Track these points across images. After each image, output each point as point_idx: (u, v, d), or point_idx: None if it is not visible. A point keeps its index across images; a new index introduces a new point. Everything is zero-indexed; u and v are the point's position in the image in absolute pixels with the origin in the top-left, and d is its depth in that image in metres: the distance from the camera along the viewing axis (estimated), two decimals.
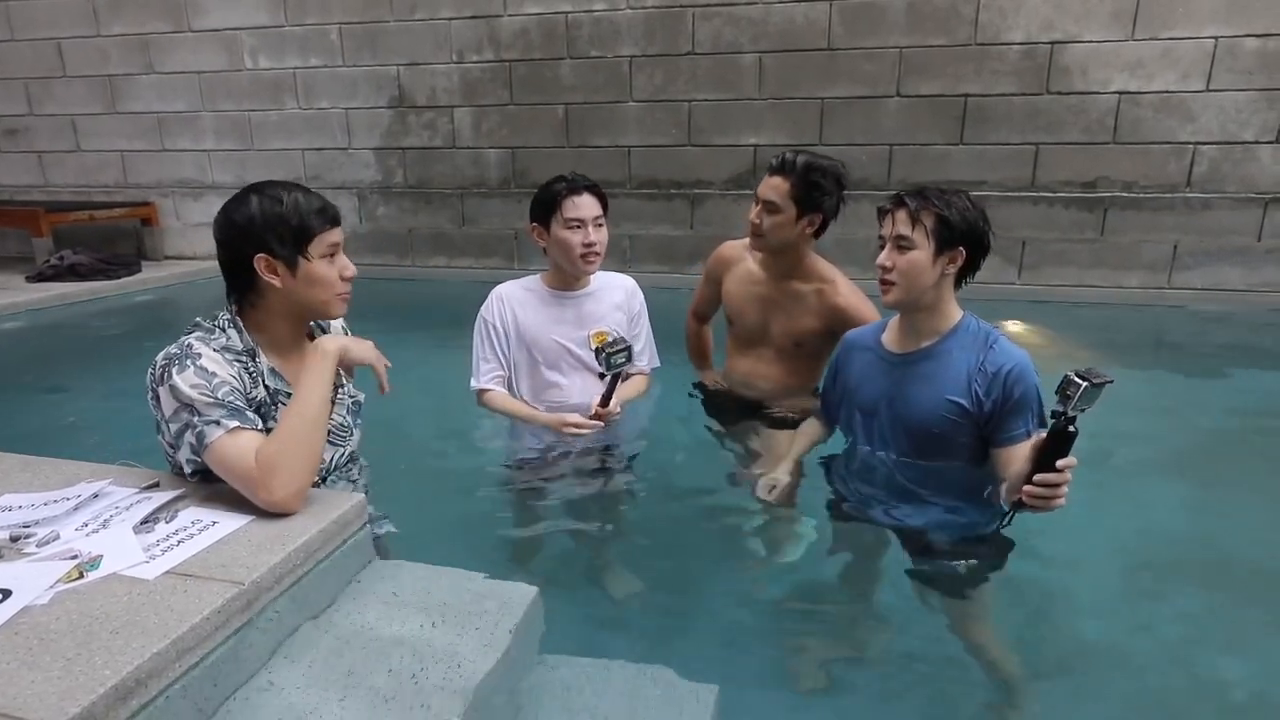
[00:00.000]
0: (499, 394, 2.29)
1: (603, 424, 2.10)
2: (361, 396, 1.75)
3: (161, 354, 1.41)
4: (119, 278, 5.30)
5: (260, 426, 1.39)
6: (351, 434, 1.70)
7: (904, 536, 1.84)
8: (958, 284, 1.77)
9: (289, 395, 1.49)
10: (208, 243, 6.04)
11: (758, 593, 1.91)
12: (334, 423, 1.61)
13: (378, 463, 1.85)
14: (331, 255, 1.49)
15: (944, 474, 1.82)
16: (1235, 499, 2.30)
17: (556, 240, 2.20)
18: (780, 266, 2.35)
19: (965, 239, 1.69)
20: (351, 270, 1.54)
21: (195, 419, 1.34)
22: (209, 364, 1.38)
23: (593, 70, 5.07)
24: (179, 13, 5.68)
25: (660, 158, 5.11)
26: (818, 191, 2.20)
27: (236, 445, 1.33)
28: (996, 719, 1.54)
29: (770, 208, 2.21)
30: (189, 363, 1.37)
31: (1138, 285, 4.61)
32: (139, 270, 5.52)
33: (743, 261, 2.48)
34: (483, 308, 2.32)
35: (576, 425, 2.09)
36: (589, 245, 2.18)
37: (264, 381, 1.49)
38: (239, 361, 1.45)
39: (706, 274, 2.62)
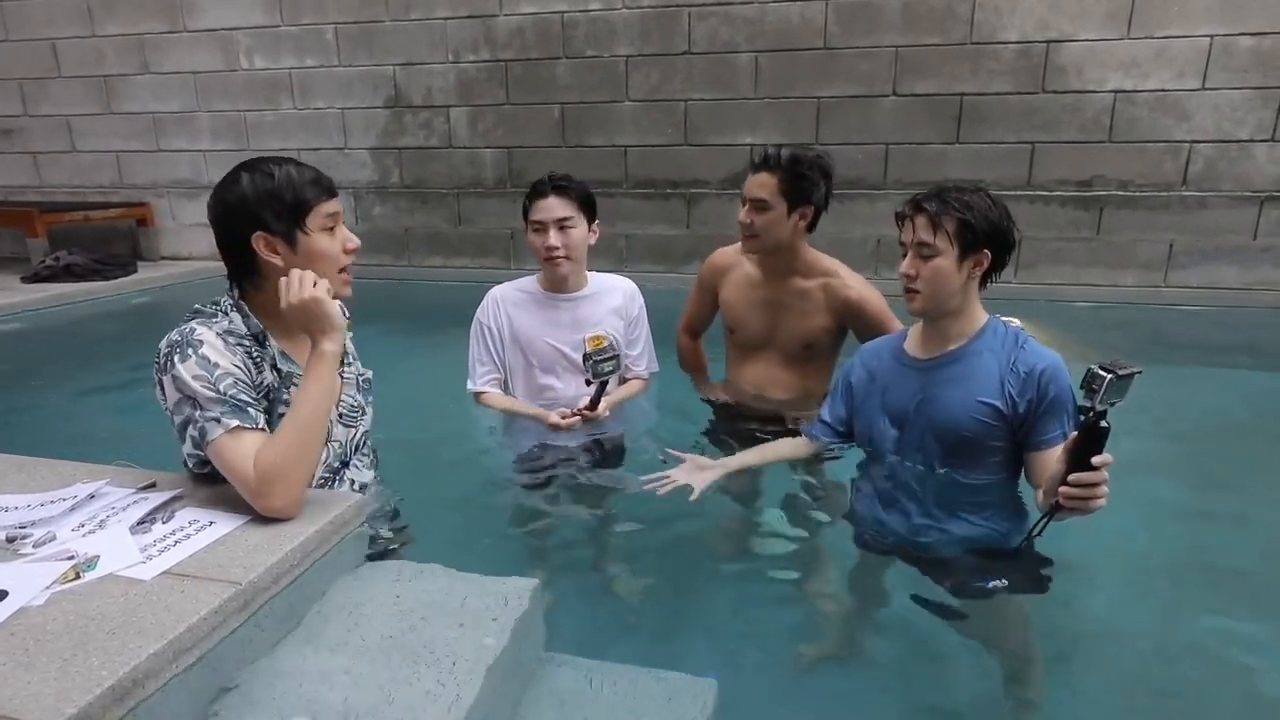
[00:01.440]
0: (494, 394, 2.30)
1: (584, 421, 2.11)
2: (369, 373, 1.73)
3: (165, 341, 1.38)
4: (115, 278, 5.29)
5: (262, 424, 1.37)
6: (364, 413, 1.67)
7: (929, 561, 1.77)
8: (982, 284, 1.72)
9: (301, 377, 1.46)
10: (204, 243, 6.06)
11: (759, 590, 1.91)
12: (344, 404, 1.59)
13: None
14: (331, 228, 1.45)
15: (974, 485, 1.75)
16: (1230, 497, 2.31)
17: (528, 242, 2.22)
18: (778, 266, 2.27)
19: (990, 240, 1.63)
20: (355, 242, 1.50)
21: (197, 413, 1.32)
22: (210, 352, 1.35)
23: (589, 70, 5.07)
24: (174, 13, 5.66)
25: (656, 157, 5.11)
26: (806, 183, 2.12)
27: (237, 447, 1.31)
28: (996, 714, 1.54)
29: (760, 205, 2.13)
30: (190, 351, 1.34)
31: (1134, 284, 4.62)
32: (135, 271, 5.51)
33: (738, 267, 2.39)
34: (478, 309, 2.32)
35: (557, 425, 2.11)
36: (550, 249, 2.16)
37: (275, 365, 1.46)
38: (242, 346, 1.41)
39: (700, 284, 2.52)
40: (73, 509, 1.34)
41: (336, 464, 1.60)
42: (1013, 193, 4.59)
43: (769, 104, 4.85)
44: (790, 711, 1.53)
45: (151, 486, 1.44)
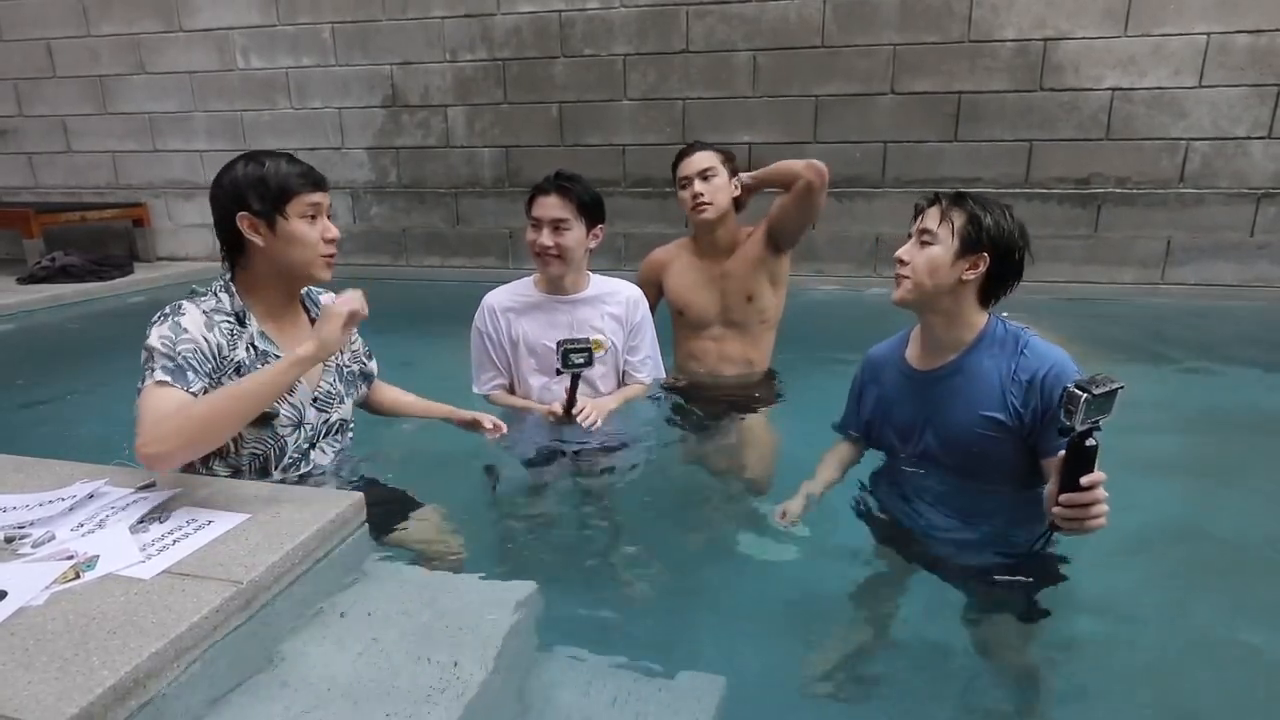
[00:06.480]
0: (496, 394, 2.31)
1: (556, 421, 2.13)
2: (366, 367, 1.90)
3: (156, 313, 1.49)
4: (111, 279, 5.27)
5: (196, 390, 1.43)
6: (342, 401, 1.76)
7: (943, 563, 1.75)
8: (985, 301, 1.67)
9: (279, 358, 1.54)
10: (201, 244, 6.04)
11: (763, 590, 1.90)
12: (321, 390, 1.68)
13: (373, 463, 1.84)
14: (312, 217, 1.56)
15: (989, 495, 1.71)
16: (1230, 494, 2.31)
17: (526, 237, 2.22)
18: (721, 242, 2.55)
19: (992, 245, 1.59)
20: (334, 233, 1.60)
21: (145, 368, 1.41)
22: (187, 322, 1.45)
23: (586, 69, 5.06)
24: (170, 12, 5.65)
25: (654, 156, 5.10)
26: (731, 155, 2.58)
27: (157, 400, 1.37)
28: (1000, 716, 1.53)
29: (708, 174, 2.50)
30: (169, 317, 1.45)
31: (1131, 281, 4.62)
32: (131, 271, 5.49)
33: (678, 258, 2.65)
34: (475, 318, 2.33)
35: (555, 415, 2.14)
36: (543, 247, 2.17)
37: (251, 344, 1.54)
38: (227, 323, 1.52)
39: (641, 284, 2.59)
40: (71, 509, 1.33)
41: (305, 446, 1.68)
42: (1010, 191, 4.60)
43: (767, 102, 4.84)
44: (796, 714, 1.52)
45: (151, 486, 1.44)
